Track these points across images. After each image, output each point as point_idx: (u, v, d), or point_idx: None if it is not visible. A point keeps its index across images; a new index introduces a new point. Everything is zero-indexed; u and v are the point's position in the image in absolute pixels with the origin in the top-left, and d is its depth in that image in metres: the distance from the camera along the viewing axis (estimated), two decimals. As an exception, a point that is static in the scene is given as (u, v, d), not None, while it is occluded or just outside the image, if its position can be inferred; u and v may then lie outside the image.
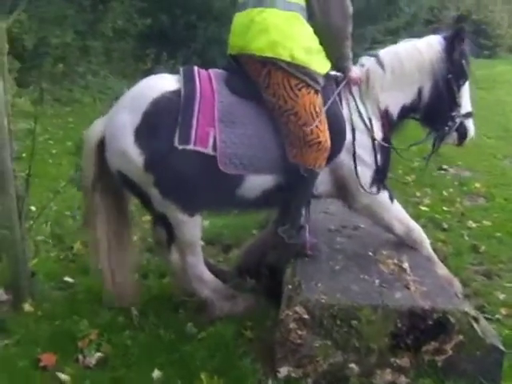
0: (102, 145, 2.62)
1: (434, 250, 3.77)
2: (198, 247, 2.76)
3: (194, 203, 2.61)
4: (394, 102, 2.79)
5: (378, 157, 2.71)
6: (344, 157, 2.67)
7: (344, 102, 2.70)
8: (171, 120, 2.48)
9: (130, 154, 2.50)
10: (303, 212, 2.70)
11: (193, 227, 2.67)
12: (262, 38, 2.48)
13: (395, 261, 2.67)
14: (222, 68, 2.73)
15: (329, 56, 2.62)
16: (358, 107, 2.70)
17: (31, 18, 8.45)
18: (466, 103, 2.85)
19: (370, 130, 2.69)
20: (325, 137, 2.53)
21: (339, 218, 3.23)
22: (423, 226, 4.30)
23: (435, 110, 2.82)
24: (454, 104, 2.81)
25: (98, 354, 2.52)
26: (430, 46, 2.79)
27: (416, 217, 4.50)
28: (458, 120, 2.83)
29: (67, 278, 3.23)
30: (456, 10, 25.41)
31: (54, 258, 3.53)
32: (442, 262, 3.60)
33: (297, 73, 2.49)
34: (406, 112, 2.85)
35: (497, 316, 2.96)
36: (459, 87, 2.80)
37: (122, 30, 10.70)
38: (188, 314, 2.85)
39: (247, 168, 2.55)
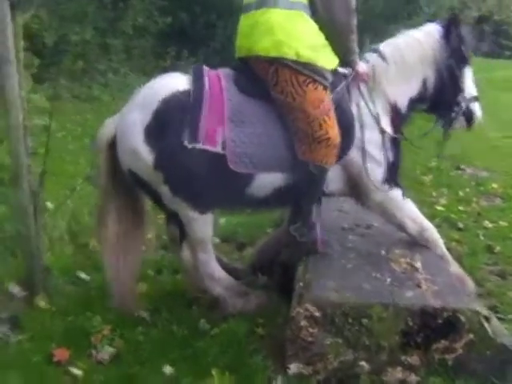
0: (114, 144, 2.65)
1: (449, 249, 3.76)
2: (209, 245, 2.77)
3: (204, 201, 2.63)
4: (402, 95, 2.79)
5: (389, 153, 2.71)
6: (354, 154, 2.67)
7: (353, 99, 2.70)
8: (180, 119, 2.50)
9: (139, 152, 2.53)
10: (314, 210, 2.70)
11: (204, 225, 2.68)
12: (266, 38, 2.50)
13: (407, 260, 2.66)
14: (231, 68, 2.74)
15: (335, 51, 2.63)
16: (366, 104, 2.70)
17: (51, 15, 8.54)
18: (469, 87, 2.86)
19: (379, 126, 2.69)
20: (334, 133, 2.54)
21: (353, 216, 3.23)
22: (438, 226, 4.29)
23: (440, 97, 2.82)
24: (458, 89, 2.82)
25: (111, 350, 2.54)
26: (428, 35, 2.80)
27: (431, 217, 4.50)
28: (463, 104, 2.84)
29: (81, 274, 3.27)
30: (477, 11, 25.17)
31: (69, 254, 3.56)
32: (456, 261, 3.60)
33: (304, 70, 2.50)
34: (414, 104, 2.85)
35: (510, 316, 2.92)
36: (461, 72, 2.81)
37: (142, 28, 10.78)
38: (201, 311, 2.86)
39: (257, 167, 2.56)
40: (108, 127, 2.70)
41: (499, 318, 2.70)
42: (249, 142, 2.53)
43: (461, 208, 4.83)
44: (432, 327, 2.22)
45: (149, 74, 9.84)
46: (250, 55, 2.60)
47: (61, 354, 2.49)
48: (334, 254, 2.74)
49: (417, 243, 2.87)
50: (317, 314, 2.27)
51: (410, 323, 2.23)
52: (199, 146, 2.49)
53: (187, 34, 10.98)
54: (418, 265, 2.60)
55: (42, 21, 8.23)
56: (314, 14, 2.59)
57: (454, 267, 2.86)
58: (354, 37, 2.64)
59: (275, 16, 2.51)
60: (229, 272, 2.93)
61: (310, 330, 2.28)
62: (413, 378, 2.23)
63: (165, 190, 2.60)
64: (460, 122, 2.89)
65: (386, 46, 2.82)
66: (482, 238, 4.13)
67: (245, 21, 2.65)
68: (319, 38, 2.58)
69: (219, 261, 2.94)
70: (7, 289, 2.96)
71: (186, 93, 2.54)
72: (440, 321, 2.22)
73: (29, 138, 2.82)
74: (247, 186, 2.61)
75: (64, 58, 9.15)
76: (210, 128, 2.50)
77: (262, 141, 2.55)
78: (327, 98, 2.56)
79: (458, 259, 3.64)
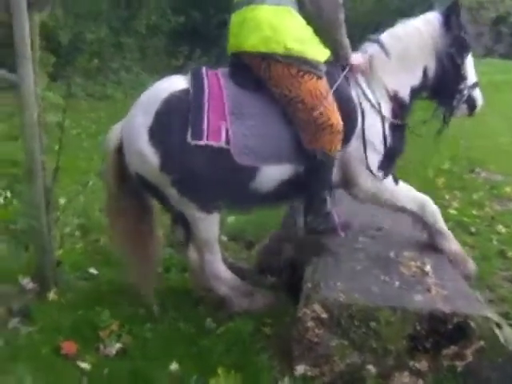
0: (120, 148, 2.68)
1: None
2: (215, 245, 2.77)
3: (210, 200, 2.63)
4: (403, 85, 2.78)
5: (389, 141, 2.70)
6: (353, 141, 2.67)
7: (352, 88, 2.70)
8: (182, 118, 2.51)
9: (145, 154, 2.54)
10: (327, 198, 2.67)
11: (210, 224, 2.69)
12: (254, 34, 2.52)
13: (417, 263, 2.63)
14: (228, 66, 2.75)
15: (326, 45, 2.63)
16: (364, 92, 2.70)
17: (66, 14, 8.62)
18: (470, 74, 2.85)
19: (380, 114, 2.69)
20: (336, 119, 2.54)
21: (362, 218, 3.21)
22: (451, 230, 4.27)
23: (443, 85, 2.82)
24: (460, 77, 2.81)
25: (118, 345, 2.56)
26: (428, 24, 2.79)
27: (444, 220, 4.47)
28: (465, 92, 2.83)
29: (92, 270, 3.29)
30: (495, 11, 24.90)
31: (80, 249, 3.60)
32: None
33: (295, 63, 2.51)
34: (416, 93, 2.84)
35: (522, 323, 2.89)
36: (463, 60, 2.80)
37: (155, 27, 10.83)
38: (208, 309, 2.87)
39: (261, 158, 2.55)
40: (114, 133, 2.72)
41: (511, 325, 2.67)
42: (250, 134, 2.53)
43: (474, 212, 4.76)
44: (441, 332, 2.20)
45: (161, 72, 9.89)
46: (241, 52, 2.62)
47: (69, 346, 2.52)
48: (343, 255, 2.72)
49: (427, 246, 2.85)
50: (324, 315, 2.27)
51: (418, 328, 2.21)
52: (203, 142, 2.50)
53: (200, 33, 11.01)
54: (428, 269, 2.58)
55: (57, 19, 8.31)
56: (302, 8, 2.60)
57: (455, 245, 2.84)
58: (343, 31, 2.65)
59: (263, 12, 2.54)
60: (234, 272, 2.93)
61: (317, 330, 2.27)
62: (420, 383, 2.22)
63: (172, 192, 2.60)
64: (462, 109, 2.90)
65: (385, 37, 2.82)
66: (495, 242, 4.07)
67: (235, 18, 2.67)
68: (307, 32, 2.59)
69: (225, 260, 2.94)
70: (19, 282, 3.00)
71: (185, 92, 2.56)
72: (449, 326, 2.19)
73: (43, 135, 2.85)
74: (253, 181, 2.60)
75: (79, 56, 9.22)
76: (212, 124, 2.51)
77: (264, 132, 2.55)
78: (324, 86, 2.56)
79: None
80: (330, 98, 2.56)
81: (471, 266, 2.84)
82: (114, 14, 10.03)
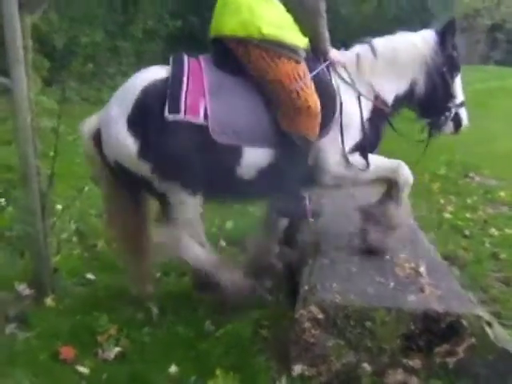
0: (98, 138, 2.67)
1: (455, 256, 3.80)
2: (194, 228, 2.76)
3: (192, 183, 2.62)
4: (387, 90, 2.83)
5: (365, 131, 2.73)
6: (330, 128, 2.69)
7: (332, 76, 2.74)
8: (161, 103, 2.52)
9: (124, 142, 2.54)
10: (301, 183, 2.70)
11: (193, 206, 2.68)
12: (233, 18, 2.58)
13: (412, 264, 2.67)
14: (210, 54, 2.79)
15: (306, 36, 2.68)
16: (345, 81, 2.76)
17: (61, 17, 8.58)
18: (459, 93, 2.93)
19: (359, 103, 2.73)
20: (314, 101, 2.57)
21: (359, 220, 3.24)
22: (446, 233, 4.34)
23: (431, 101, 2.89)
24: (449, 95, 2.89)
25: (117, 349, 2.58)
26: (424, 41, 2.85)
27: (439, 223, 4.54)
28: (453, 110, 2.91)
29: (89, 275, 3.30)
30: (490, 19, 25.09)
31: (77, 255, 3.60)
32: (462, 268, 3.62)
33: (272, 47, 2.55)
34: (400, 101, 2.89)
35: (513, 323, 2.94)
36: (453, 78, 2.88)
37: (152, 31, 10.82)
38: (206, 313, 2.89)
39: (240, 137, 2.56)
40: (91, 121, 2.72)
41: (503, 325, 2.71)
42: (230, 113, 2.55)
43: (468, 215, 4.83)
44: (434, 331, 2.24)
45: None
46: (222, 36, 2.66)
47: (67, 351, 2.53)
48: (339, 257, 2.76)
49: (421, 248, 2.91)
50: (320, 316, 2.30)
51: (412, 327, 2.25)
52: (181, 117, 2.50)
53: (197, 37, 11.03)
54: (422, 270, 2.62)
55: (51, 23, 8.25)
56: None
57: (403, 218, 2.85)
58: (323, 22, 2.69)
59: None
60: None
61: (313, 331, 2.31)
62: (414, 380, 2.25)
63: (152, 176, 2.59)
64: (448, 126, 2.97)
65: (379, 41, 2.88)
66: (487, 245, 4.14)
67: (218, 2, 2.73)
68: (285, 19, 2.63)
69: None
70: (15, 288, 2.99)
71: (164, 80, 2.58)
72: (443, 325, 2.24)
73: (37, 140, 2.84)
74: (234, 164, 2.60)
75: (74, 60, 9.17)
76: (190, 99, 2.52)
77: (244, 112, 2.58)
78: (302, 70, 2.59)
79: (464, 266, 3.68)
80: (309, 81, 2.59)
81: (387, 243, 2.82)
82: (110, 18, 10.00)
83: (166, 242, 2.73)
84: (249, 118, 2.58)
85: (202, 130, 2.52)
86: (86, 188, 4.11)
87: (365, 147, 2.74)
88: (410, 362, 2.25)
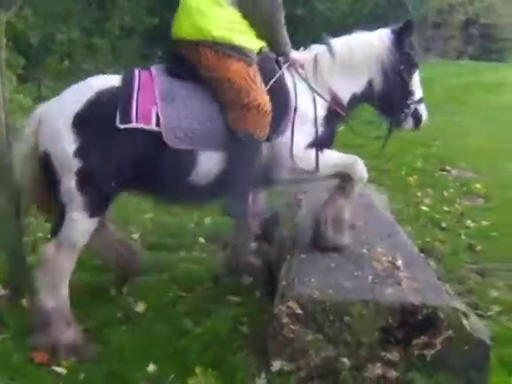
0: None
1: (432, 249, 3.84)
2: (76, 254, 2.61)
3: (102, 202, 2.58)
4: (344, 89, 2.85)
5: (320, 130, 2.74)
6: (284, 127, 2.69)
7: (287, 75, 2.76)
8: (113, 107, 2.49)
9: (63, 137, 2.48)
10: (248, 183, 2.67)
11: (85, 229, 2.57)
12: (186, 21, 2.62)
13: (389, 258, 2.69)
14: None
15: (266, 42, 2.70)
16: (301, 79, 2.77)
17: (36, 14, 8.46)
18: (417, 90, 2.96)
19: (314, 102, 2.74)
20: (263, 100, 2.57)
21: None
22: (423, 226, 4.38)
23: (390, 99, 2.91)
24: (408, 92, 2.92)
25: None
26: (380, 40, 2.87)
27: (416, 216, 4.58)
28: (412, 106, 2.94)
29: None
30: (464, 14, 25.38)
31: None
32: (439, 260, 3.67)
33: (223, 49, 2.57)
34: (358, 100, 2.93)
35: (489, 313, 2.99)
36: (411, 76, 2.91)
37: (129, 28, 10.72)
38: (185, 310, 2.89)
39: (193, 142, 2.55)
40: (37, 111, 2.65)
41: (479, 315, 2.75)
42: (182, 117, 2.54)
43: (445, 208, 4.89)
44: (412, 324, 2.26)
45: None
46: (177, 38, 2.68)
47: (40, 356, 2.48)
48: (317, 252, 2.76)
49: (398, 242, 2.92)
50: (298, 311, 2.30)
51: (390, 320, 2.26)
52: (133, 125, 2.47)
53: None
54: (399, 263, 2.64)
55: (26, 20, 8.14)
56: (241, 3, 2.63)
57: (346, 213, 2.81)
58: (282, 29, 2.70)
59: (194, 1, 2.61)
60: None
61: (292, 327, 2.31)
62: (392, 373, 2.27)
63: (70, 180, 2.49)
64: (408, 122, 3.00)
65: (337, 41, 2.90)
66: (463, 237, 4.20)
67: (179, 5, 2.73)
68: (237, 23, 2.63)
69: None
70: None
71: (118, 88, 2.56)
72: (420, 317, 2.26)
73: (11, 138, 2.80)
74: (187, 169, 2.58)
75: (49, 57, 9.05)
76: (142, 108, 2.50)
77: (196, 116, 2.56)
78: (252, 70, 2.61)
79: (440, 258, 3.72)
80: (259, 81, 2.61)
81: (341, 238, 2.83)
82: (86, 14, 9.87)
83: (46, 260, 2.59)
84: (200, 121, 2.57)
85: (154, 136, 2.50)
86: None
87: (320, 144, 2.76)
88: (389, 355, 2.26)
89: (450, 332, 2.24)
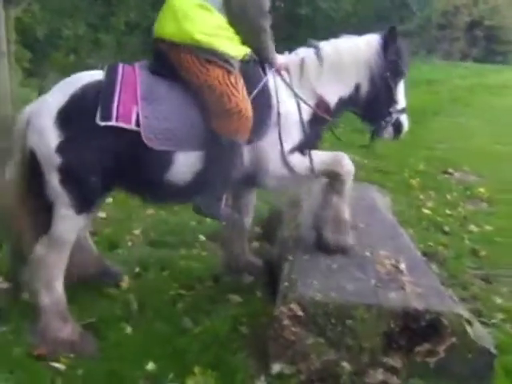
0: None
1: (435, 252, 3.81)
2: (67, 251, 2.61)
3: (88, 199, 2.57)
4: (331, 92, 2.84)
5: (305, 133, 2.73)
6: (267, 131, 2.69)
7: (271, 82, 2.74)
8: (95, 104, 2.48)
9: (47, 133, 2.48)
10: (224, 185, 2.67)
11: (73, 226, 2.58)
12: (170, 23, 2.60)
13: (392, 261, 2.67)
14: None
15: (252, 48, 2.69)
16: (286, 86, 2.76)
17: (44, 9, 8.50)
18: (401, 99, 2.93)
19: (299, 106, 2.74)
20: (245, 105, 2.57)
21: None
22: (425, 229, 4.36)
23: (374, 105, 2.89)
24: (392, 100, 2.89)
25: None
26: (368, 45, 2.85)
27: (418, 219, 4.55)
28: (394, 115, 2.91)
29: (67, 269, 3.24)
30: (469, 16, 25.35)
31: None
32: (442, 265, 3.64)
33: (203, 54, 2.56)
34: (344, 104, 2.90)
35: (493, 321, 2.95)
36: (396, 84, 2.88)
37: (134, 24, 10.74)
38: (185, 309, 2.87)
39: (173, 143, 2.54)
40: (27, 109, 2.65)
41: (482, 322, 2.73)
42: (163, 118, 2.53)
43: (448, 211, 4.86)
44: (414, 329, 2.24)
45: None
46: (160, 38, 2.66)
47: (40, 351, 2.48)
48: (320, 253, 2.74)
49: (402, 245, 2.90)
50: (300, 313, 2.28)
51: (393, 325, 2.24)
52: (112, 123, 2.46)
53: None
54: (403, 267, 2.62)
55: (34, 15, 8.18)
56: (228, 10, 2.63)
57: (343, 212, 2.80)
58: (268, 37, 2.70)
59: (180, 2, 2.60)
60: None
61: (293, 329, 2.29)
62: (394, 380, 2.25)
63: (54, 177, 2.50)
64: (388, 131, 2.97)
65: (326, 45, 2.88)
66: (467, 241, 4.16)
67: (164, 5, 2.72)
68: (222, 29, 2.62)
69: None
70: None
71: (102, 84, 2.55)
72: (423, 323, 2.24)
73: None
74: (166, 169, 2.57)
75: (55, 52, 9.10)
76: (123, 106, 2.49)
77: (176, 117, 2.56)
78: (234, 77, 2.59)
79: (443, 262, 3.70)
80: (241, 88, 2.60)
81: (345, 239, 2.81)
82: (92, 10, 9.91)
83: (37, 258, 2.58)
84: (181, 122, 2.56)
85: (134, 135, 2.49)
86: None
87: (305, 147, 2.75)
88: (391, 361, 2.24)
89: (454, 339, 2.22)
